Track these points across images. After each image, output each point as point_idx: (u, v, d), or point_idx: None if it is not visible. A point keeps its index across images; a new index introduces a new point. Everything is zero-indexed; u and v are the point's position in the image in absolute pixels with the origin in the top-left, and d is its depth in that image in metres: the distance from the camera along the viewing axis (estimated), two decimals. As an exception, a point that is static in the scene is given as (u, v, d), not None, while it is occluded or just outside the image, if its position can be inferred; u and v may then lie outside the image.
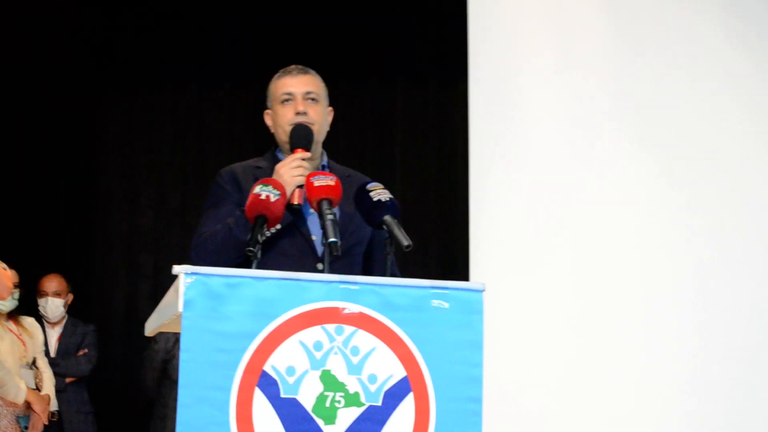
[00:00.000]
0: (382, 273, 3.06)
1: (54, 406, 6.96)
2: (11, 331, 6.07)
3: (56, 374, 6.97)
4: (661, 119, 6.79)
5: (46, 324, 7.18)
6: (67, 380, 7.08)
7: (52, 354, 7.11)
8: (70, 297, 7.31)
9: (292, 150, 3.44)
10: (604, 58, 6.90)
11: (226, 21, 8.04)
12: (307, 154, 3.41)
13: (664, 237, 6.70)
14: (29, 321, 6.34)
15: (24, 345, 6.12)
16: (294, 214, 3.35)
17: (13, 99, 7.67)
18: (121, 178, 8.48)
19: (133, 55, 8.23)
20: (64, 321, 7.32)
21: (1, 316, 6.00)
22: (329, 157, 3.65)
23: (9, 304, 6.14)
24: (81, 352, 7.21)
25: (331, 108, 3.66)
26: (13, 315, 6.15)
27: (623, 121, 6.84)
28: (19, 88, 7.71)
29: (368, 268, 3.54)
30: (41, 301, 7.17)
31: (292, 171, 3.32)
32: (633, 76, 6.86)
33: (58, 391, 7.00)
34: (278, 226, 3.29)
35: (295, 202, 3.30)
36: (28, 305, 6.53)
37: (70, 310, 7.31)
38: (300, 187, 3.29)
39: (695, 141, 6.73)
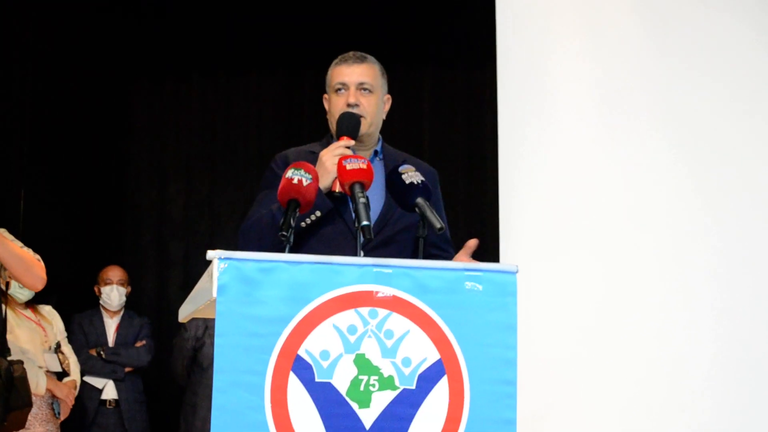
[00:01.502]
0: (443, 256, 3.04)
1: (113, 395, 7.03)
2: (29, 318, 6.10)
3: (117, 363, 7.03)
4: (690, 107, 6.75)
5: (104, 314, 7.25)
6: (126, 370, 7.14)
7: (111, 344, 7.17)
8: (129, 288, 7.39)
9: (338, 138, 3.44)
10: (634, 42, 6.85)
11: (254, 8, 8.03)
12: (351, 142, 3.40)
13: (692, 222, 6.67)
14: (47, 309, 6.37)
15: (44, 331, 6.15)
16: (336, 202, 3.34)
17: (44, 90, 7.69)
18: (150, 168, 8.51)
19: (161, 45, 8.25)
20: (121, 312, 7.38)
21: (17, 305, 6.03)
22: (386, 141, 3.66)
23: (27, 292, 6.17)
24: (139, 343, 7.27)
25: (389, 96, 3.65)
26: (30, 304, 6.19)
27: (652, 105, 6.81)
28: (49, 80, 7.73)
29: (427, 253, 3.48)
30: (105, 290, 7.25)
31: (335, 159, 3.31)
32: (663, 62, 6.82)
33: (118, 380, 7.07)
34: (317, 214, 3.28)
35: (337, 190, 3.30)
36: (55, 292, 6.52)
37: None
38: None
39: (721, 132, 6.69)
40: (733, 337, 6.59)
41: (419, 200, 3.07)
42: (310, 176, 3.07)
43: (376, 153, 3.56)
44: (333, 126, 3.55)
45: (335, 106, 3.54)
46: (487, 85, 7.44)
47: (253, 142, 8.17)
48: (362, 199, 3.02)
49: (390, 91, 3.71)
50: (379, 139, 3.62)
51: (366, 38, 7.55)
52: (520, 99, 6.90)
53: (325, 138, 3.66)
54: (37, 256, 5.12)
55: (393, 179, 3.16)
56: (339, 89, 3.54)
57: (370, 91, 3.55)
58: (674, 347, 6.58)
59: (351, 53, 3.60)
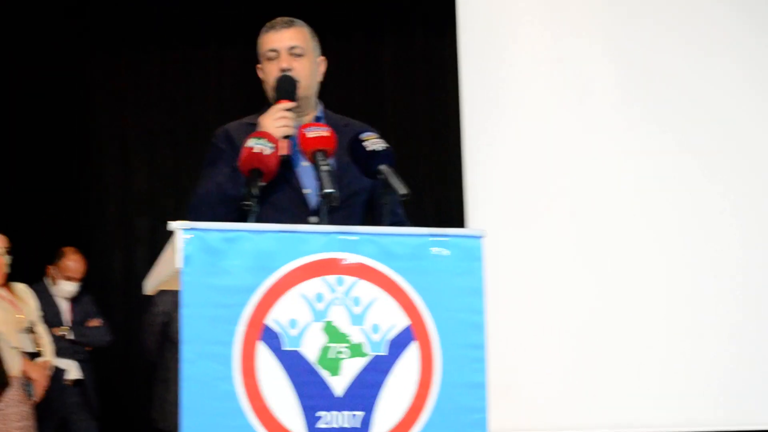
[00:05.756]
0: (394, 221, 3.03)
1: (78, 374, 6.99)
2: (3, 298, 6.04)
3: (78, 344, 6.98)
4: (652, 60, 6.79)
5: (52, 290, 7.16)
6: (86, 349, 7.11)
7: (67, 323, 7.11)
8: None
9: (277, 102, 3.41)
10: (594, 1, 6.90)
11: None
12: (291, 104, 3.37)
13: (661, 182, 6.72)
14: (20, 287, 6.31)
15: (19, 310, 6.10)
16: (282, 166, 3.31)
17: (0, 68, 7.62)
18: (112, 142, 8.44)
19: (118, 18, 8.17)
20: None
21: None
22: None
23: None
24: (95, 322, 7.21)
25: (323, 57, 3.62)
26: (3, 282, 6.12)
27: (616, 63, 6.83)
28: (4, 57, 7.65)
29: (375, 217, 3.50)
30: (62, 283, 7.14)
31: (276, 122, 3.28)
32: (627, 19, 6.85)
33: (83, 360, 7.03)
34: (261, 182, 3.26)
35: (284, 153, 3.27)
36: (20, 270, 6.46)
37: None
38: (287, 137, 3.25)
39: (681, 79, 6.76)
40: (705, 289, 6.65)
41: (383, 167, 3.05)
42: (272, 145, 3.05)
43: (318, 119, 3.53)
44: (270, 93, 3.52)
45: (269, 73, 3.50)
46: (448, 49, 7.42)
47: (214, 113, 8.10)
48: (325, 167, 3.00)
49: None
50: (317, 104, 3.58)
51: (325, 7, 7.52)
52: (483, 63, 6.90)
53: (264, 108, 3.64)
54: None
55: (354, 146, 3.14)
56: (270, 57, 3.51)
57: (301, 55, 3.51)
58: (637, 308, 6.64)
59: (278, 19, 3.57)
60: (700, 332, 6.59)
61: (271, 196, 3.30)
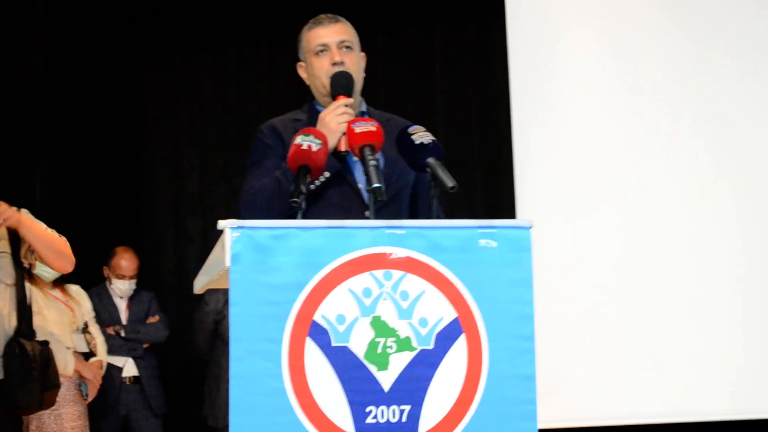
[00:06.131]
0: (428, 216, 3.03)
1: (134, 371, 7.05)
2: (57, 299, 6.09)
3: (136, 341, 7.04)
4: (704, 61, 6.75)
5: (112, 291, 7.22)
6: (144, 346, 7.16)
7: (124, 322, 7.17)
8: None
9: (334, 98, 3.41)
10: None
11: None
12: (350, 100, 3.39)
13: (705, 175, 6.68)
14: (74, 289, 6.36)
15: (72, 311, 6.15)
16: (341, 162, 3.33)
17: (56, 72, 7.69)
18: (165, 144, 8.50)
19: (170, 22, 8.22)
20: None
21: (45, 285, 6.01)
22: (368, 104, 3.63)
23: (53, 271, 6.17)
24: (153, 319, 7.27)
25: (363, 54, 3.63)
26: (57, 283, 6.18)
27: (666, 56, 6.78)
28: (61, 62, 7.73)
29: (414, 211, 3.52)
30: (117, 282, 7.20)
31: (338, 118, 3.30)
32: (679, 15, 6.82)
33: (138, 357, 7.09)
34: (326, 174, 3.27)
35: (342, 149, 3.28)
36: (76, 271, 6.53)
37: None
38: (345, 134, 3.26)
39: (732, 91, 6.72)
40: (759, 287, 6.59)
41: (430, 160, 3.04)
42: (320, 141, 3.06)
43: (362, 114, 3.54)
44: (319, 89, 3.54)
45: (319, 68, 3.51)
46: (498, 42, 7.39)
47: (266, 113, 8.11)
48: (372, 162, 3.00)
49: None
50: (361, 101, 3.59)
51: (376, 2, 7.52)
52: (532, 57, 6.88)
53: (306, 104, 3.64)
54: (63, 238, 5.12)
55: (402, 139, 3.13)
56: (321, 50, 3.51)
57: (350, 48, 3.54)
58: (690, 301, 6.58)
59: (323, 15, 3.59)
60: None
61: (327, 192, 3.32)
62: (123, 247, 7.29)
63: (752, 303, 6.56)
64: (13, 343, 4.89)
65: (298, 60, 3.65)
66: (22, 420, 5.43)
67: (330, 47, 3.52)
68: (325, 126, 3.25)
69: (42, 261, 5.21)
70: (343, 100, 3.36)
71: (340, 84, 3.43)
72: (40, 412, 5.51)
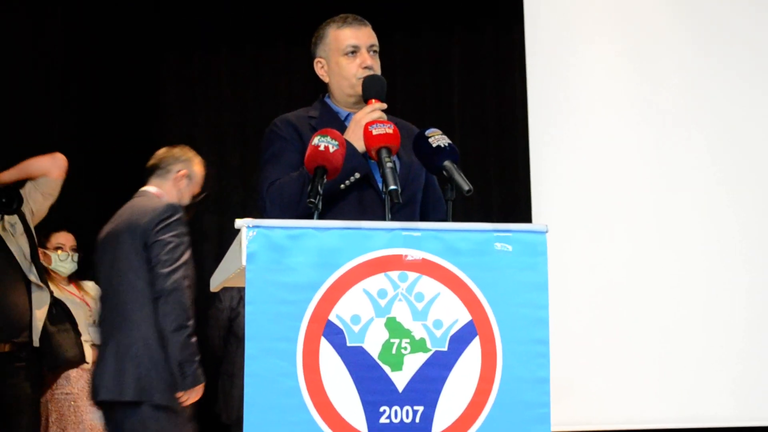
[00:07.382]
0: (440, 217, 3.03)
1: None
2: (73, 294, 6.15)
3: None
4: (723, 63, 6.73)
5: None
6: None
7: None
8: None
9: (366, 101, 3.42)
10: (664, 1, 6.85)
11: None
12: (384, 105, 3.40)
13: (725, 179, 6.66)
14: (89, 285, 6.40)
15: (88, 306, 6.21)
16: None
17: (73, 72, 7.71)
18: (182, 141, 8.50)
19: (188, 19, 8.24)
20: None
21: (61, 280, 6.06)
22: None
23: (69, 266, 6.24)
24: None
25: None
26: (72, 279, 6.23)
27: (684, 60, 6.77)
28: (78, 61, 7.75)
29: (424, 212, 3.52)
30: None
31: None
32: (697, 17, 6.80)
33: None
34: (357, 175, 3.29)
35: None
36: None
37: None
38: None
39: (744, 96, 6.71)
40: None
41: (447, 163, 3.05)
42: (336, 143, 3.06)
43: None
44: (344, 90, 3.54)
45: (348, 69, 3.52)
46: (515, 45, 7.40)
47: (282, 111, 8.10)
48: (389, 164, 3.00)
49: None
50: None
51: (394, 4, 7.53)
52: (549, 60, 6.88)
53: (318, 101, 3.65)
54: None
55: (419, 143, 3.14)
56: (351, 52, 3.52)
57: (377, 53, 3.56)
58: (705, 308, 6.57)
59: (350, 16, 3.59)
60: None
61: (351, 192, 3.33)
62: None
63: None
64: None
65: (314, 56, 3.65)
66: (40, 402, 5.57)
67: (361, 49, 3.53)
68: (361, 128, 3.24)
69: (45, 173, 5.46)
70: (378, 104, 3.38)
71: (374, 88, 3.44)
72: (60, 404, 5.59)
